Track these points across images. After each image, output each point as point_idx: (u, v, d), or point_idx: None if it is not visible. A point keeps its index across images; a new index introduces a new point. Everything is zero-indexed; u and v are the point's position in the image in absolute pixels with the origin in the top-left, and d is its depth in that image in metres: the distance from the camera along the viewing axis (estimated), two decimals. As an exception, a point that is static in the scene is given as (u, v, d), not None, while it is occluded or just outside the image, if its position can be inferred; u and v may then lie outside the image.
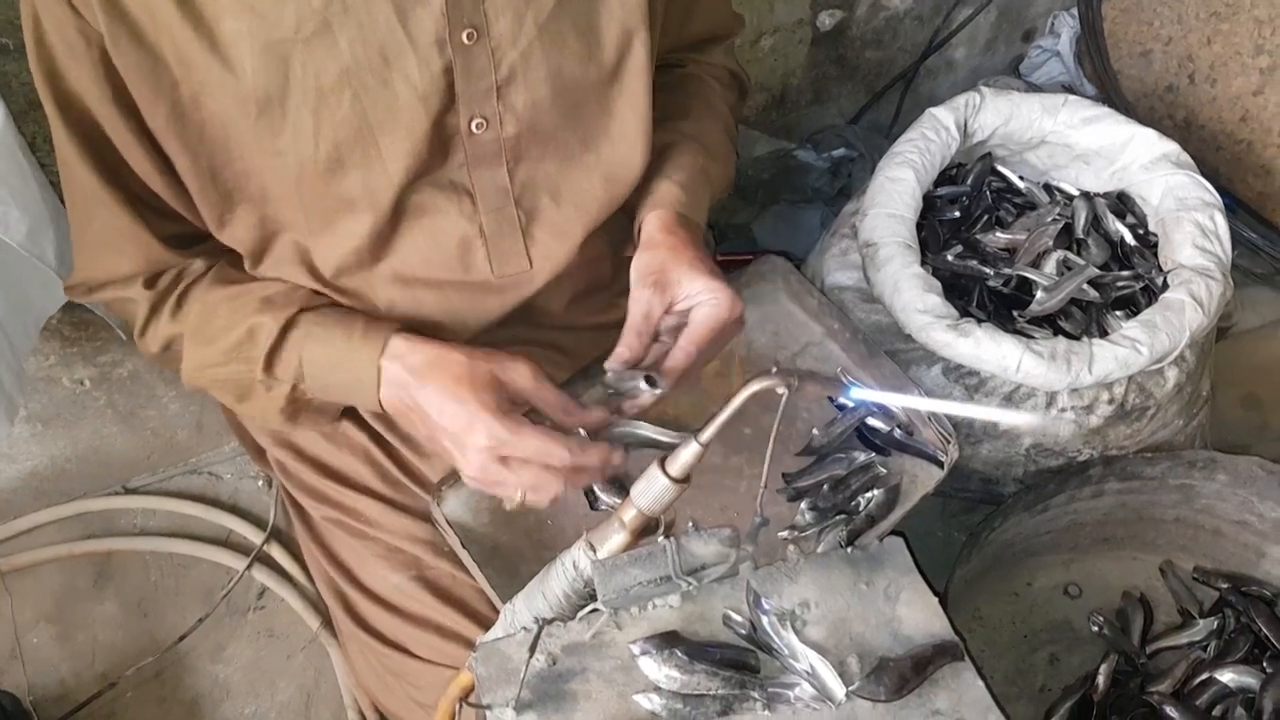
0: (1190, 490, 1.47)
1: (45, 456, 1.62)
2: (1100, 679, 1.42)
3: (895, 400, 0.93)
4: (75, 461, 1.64)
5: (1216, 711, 1.39)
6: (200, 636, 1.55)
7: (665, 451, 0.93)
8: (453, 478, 1.12)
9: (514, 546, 1.13)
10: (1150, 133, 1.45)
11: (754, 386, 0.85)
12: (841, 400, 1.25)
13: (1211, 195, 1.39)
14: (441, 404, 0.95)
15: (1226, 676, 1.40)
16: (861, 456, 1.22)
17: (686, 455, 0.90)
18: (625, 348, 1.00)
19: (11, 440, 1.57)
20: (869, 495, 1.19)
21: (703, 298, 1.00)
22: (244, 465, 1.72)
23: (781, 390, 0.85)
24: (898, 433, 1.24)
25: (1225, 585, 1.51)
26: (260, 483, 1.71)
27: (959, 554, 1.33)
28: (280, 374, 1.02)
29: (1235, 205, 1.88)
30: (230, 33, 0.89)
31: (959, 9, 1.93)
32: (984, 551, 1.44)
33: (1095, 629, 1.51)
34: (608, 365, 1.01)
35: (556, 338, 1.20)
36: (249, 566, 1.59)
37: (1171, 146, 1.44)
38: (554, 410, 0.98)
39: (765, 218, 1.78)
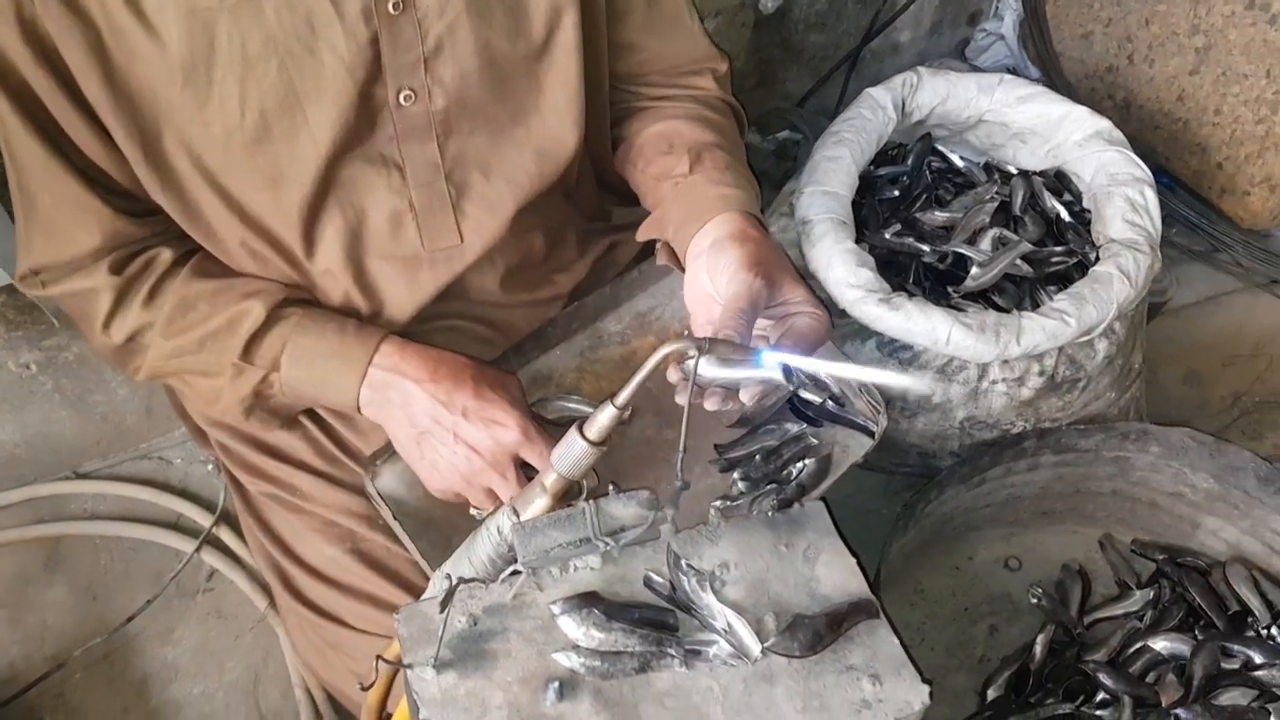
0: (1125, 463, 1.49)
1: (-9, 443, 1.63)
2: (1038, 649, 1.44)
3: (802, 363, 0.95)
4: (24, 447, 1.65)
5: (1150, 678, 1.42)
6: (149, 618, 1.55)
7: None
8: (386, 452, 1.13)
9: (448, 519, 1.14)
10: (1083, 110, 1.48)
11: (666, 349, 0.87)
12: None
13: (1142, 171, 1.42)
14: (462, 401, 1.01)
15: (1160, 645, 1.42)
16: (793, 428, 1.23)
17: (603, 419, 0.92)
18: (731, 329, 0.92)
19: (-42, 425, 1.58)
20: (800, 465, 1.21)
21: (806, 309, 1.00)
22: (193, 450, 1.72)
23: (692, 353, 0.86)
24: (830, 404, 1.25)
25: (1162, 557, 1.54)
26: (210, 467, 1.71)
27: (894, 526, 1.35)
28: (257, 360, 1.04)
29: (1173, 184, 1.91)
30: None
31: (899, -9, 1.96)
32: (922, 525, 1.46)
33: (1034, 601, 1.53)
34: (719, 336, 0.92)
35: (490, 314, 1.21)
36: (198, 549, 1.60)
37: (1104, 123, 1.47)
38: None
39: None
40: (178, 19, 0.90)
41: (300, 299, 1.08)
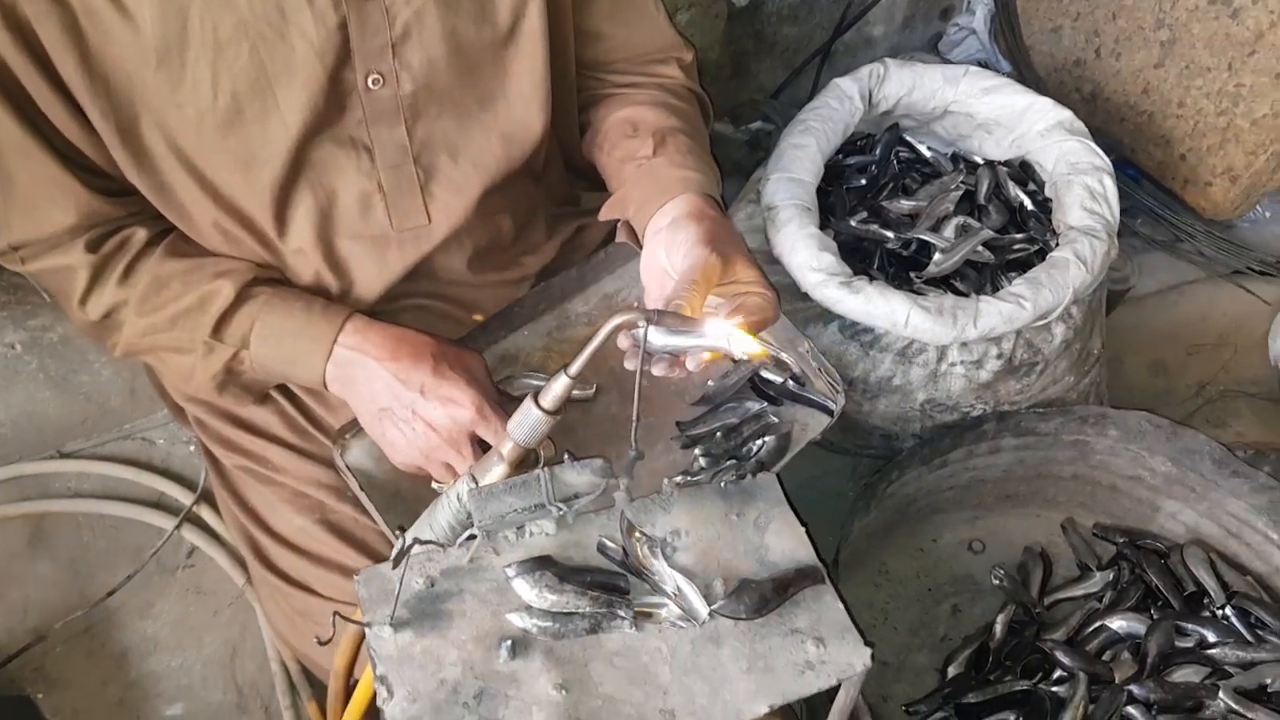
0: (1085, 446, 1.53)
1: (-22, 421, 1.66)
2: (998, 628, 1.48)
3: (746, 337, 0.98)
4: (9, 426, 1.68)
5: (1106, 657, 1.45)
6: (130, 593, 1.59)
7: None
8: (354, 426, 1.16)
9: (413, 492, 1.17)
10: (1046, 101, 1.51)
11: (616, 319, 0.90)
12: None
13: (1101, 160, 1.45)
14: (421, 379, 1.05)
15: (1116, 623, 1.46)
16: (754, 406, 1.27)
17: (557, 387, 0.95)
18: (683, 300, 0.96)
19: (-55, 403, 1.61)
20: (760, 442, 1.24)
21: (756, 290, 1.02)
22: (176, 431, 1.76)
23: (641, 324, 0.89)
24: (791, 384, 1.29)
25: (1122, 540, 1.57)
26: (192, 448, 1.75)
27: (854, 505, 1.39)
28: (227, 338, 1.08)
29: (1139, 175, 1.94)
30: None
31: (872, -14, 1.99)
32: (884, 505, 1.49)
33: (996, 582, 1.56)
34: (670, 306, 0.96)
35: (457, 292, 1.24)
36: (178, 526, 1.63)
37: (1065, 114, 1.50)
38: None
39: (686, 189, 1.83)
40: (151, 2, 0.93)
41: (270, 279, 1.12)
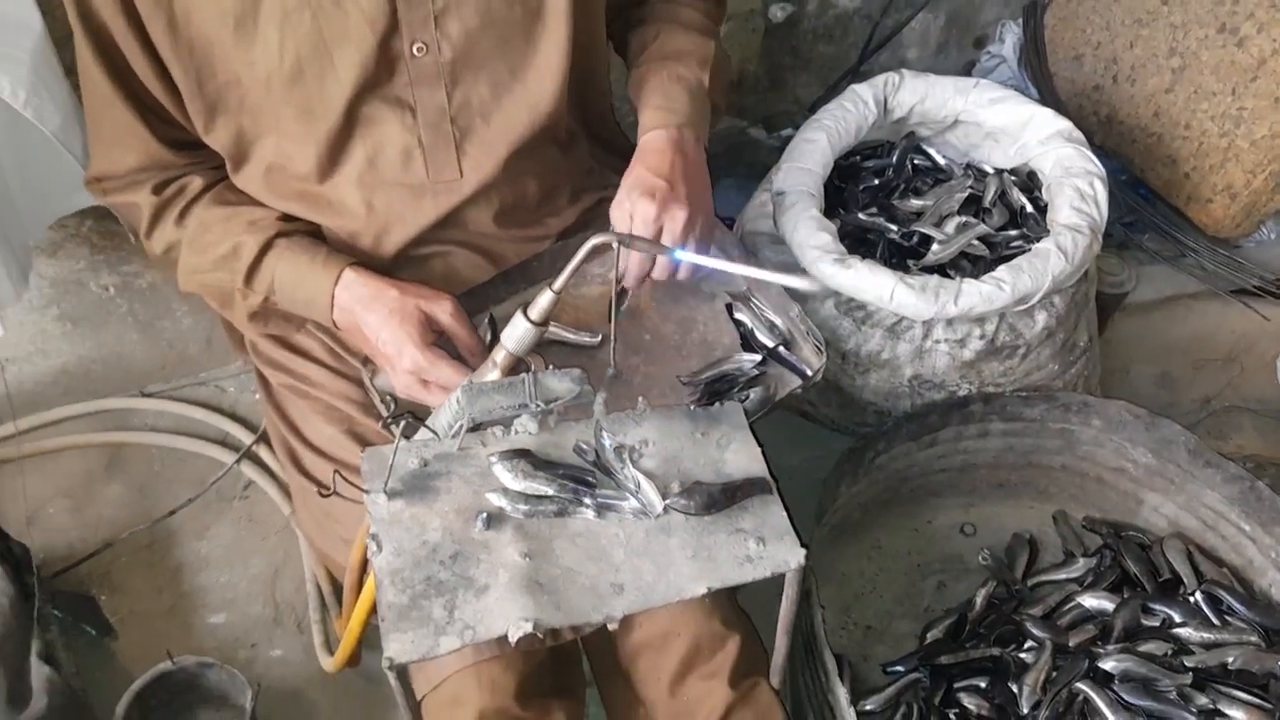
0: (1071, 435, 1.61)
1: (74, 355, 1.87)
2: (978, 600, 1.57)
3: (715, 264, 1.12)
4: (99, 364, 1.88)
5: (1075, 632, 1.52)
6: (189, 516, 1.77)
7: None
8: (384, 351, 1.32)
9: (427, 411, 1.32)
10: (1048, 112, 1.62)
11: (593, 240, 1.05)
12: (738, 316, 1.44)
13: (1094, 166, 1.55)
14: (379, 330, 1.21)
15: (1088, 601, 1.54)
16: (749, 362, 1.39)
17: (543, 301, 1.10)
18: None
19: (45, 337, 1.82)
20: (746, 394, 1.37)
21: (634, 196, 1.23)
22: (246, 381, 1.94)
23: (615, 244, 1.04)
24: (782, 349, 1.41)
25: (1108, 532, 1.65)
26: (258, 396, 1.93)
27: (837, 466, 1.49)
28: (256, 287, 1.27)
29: (1150, 194, 2.03)
30: None
31: (906, 11, 2.11)
32: (875, 477, 1.60)
33: (982, 562, 1.66)
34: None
35: (484, 243, 1.39)
36: (237, 460, 1.81)
37: (1064, 124, 1.61)
38: (463, 346, 1.23)
39: (719, 189, 1.96)
40: None
41: (291, 230, 1.29)
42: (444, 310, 1.22)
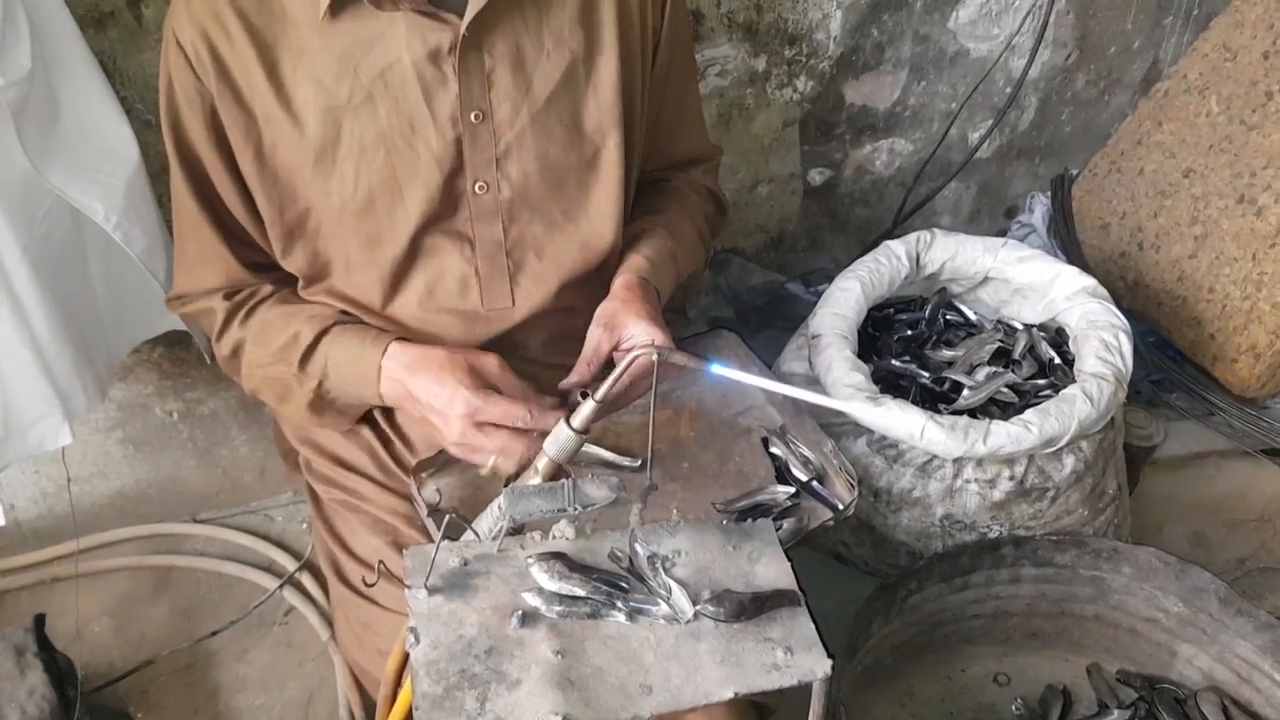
0: (1102, 584, 1.62)
1: (132, 479, 1.94)
2: (1010, 747, 1.55)
3: (751, 380, 1.18)
4: (155, 488, 1.96)
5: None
6: (230, 638, 1.80)
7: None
8: (431, 464, 1.38)
9: (473, 514, 1.37)
10: (1073, 270, 1.70)
11: (634, 354, 1.12)
12: (773, 450, 1.49)
13: (1119, 320, 1.62)
14: (428, 387, 1.25)
15: (1121, 746, 1.51)
16: (784, 493, 1.43)
17: (586, 410, 1.16)
18: (575, 374, 1.30)
19: (108, 459, 1.90)
20: (780, 524, 1.40)
21: (641, 339, 1.26)
22: (294, 511, 2.01)
23: (654, 357, 1.11)
24: (815, 483, 1.46)
25: (1141, 684, 1.63)
26: (304, 525, 1.99)
27: (868, 603, 1.51)
28: (310, 370, 1.34)
29: (1178, 356, 2.08)
30: (302, 99, 1.25)
31: (939, 180, 2.24)
32: (907, 618, 1.61)
33: (1015, 712, 1.64)
34: (561, 385, 1.31)
35: (532, 371, 1.46)
36: (280, 587, 1.86)
37: (1089, 281, 1.68)
38: (514, 393, 1.27)
39: (758, 340, 2.05)
40: (315, 114, 1.24)
41: (349, 321, 1.36)
42: (491, 363, 1.26)
